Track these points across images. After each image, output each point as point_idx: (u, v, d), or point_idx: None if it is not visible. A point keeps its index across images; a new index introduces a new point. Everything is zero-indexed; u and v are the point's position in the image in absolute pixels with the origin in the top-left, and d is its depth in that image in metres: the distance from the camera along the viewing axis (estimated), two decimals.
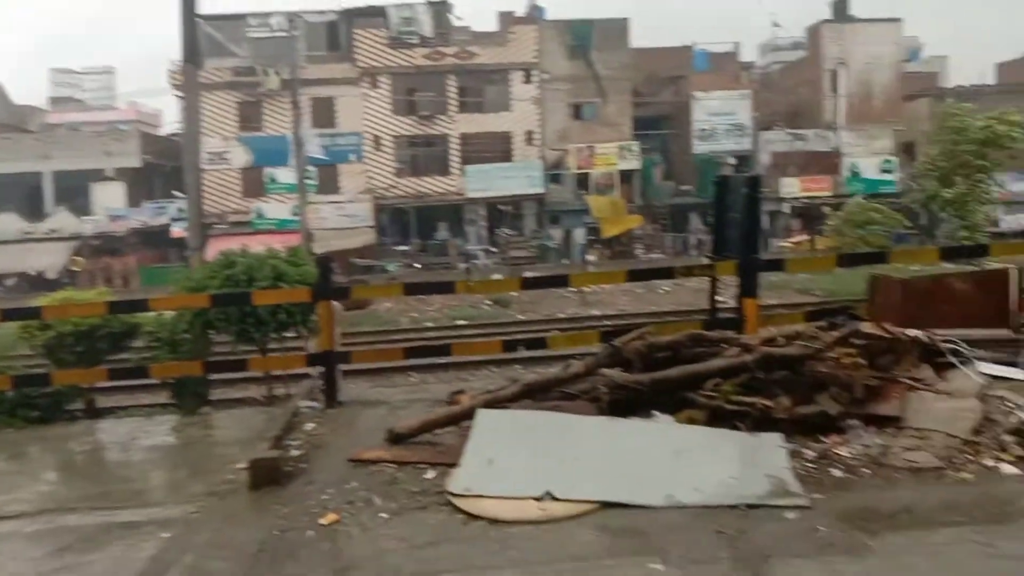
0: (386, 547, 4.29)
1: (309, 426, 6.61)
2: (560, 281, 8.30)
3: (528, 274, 18.38)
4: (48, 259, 36.87)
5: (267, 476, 5.28)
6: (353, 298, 9.10)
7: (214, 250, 10.82)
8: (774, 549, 4.06)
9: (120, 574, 4.09)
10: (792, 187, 42.73)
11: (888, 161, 41.75)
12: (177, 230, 36.82)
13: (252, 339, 8.06)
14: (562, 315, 18.75)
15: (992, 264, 8.77)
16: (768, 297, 19.34)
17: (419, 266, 39.07)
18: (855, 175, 42.23)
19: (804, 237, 36.71)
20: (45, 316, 7.60)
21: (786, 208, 42.86)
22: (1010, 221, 37.79)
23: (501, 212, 43.60)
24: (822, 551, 3.98)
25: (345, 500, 4.99)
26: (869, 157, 42.50)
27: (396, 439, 6.04)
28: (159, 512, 5.03)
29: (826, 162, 43.43)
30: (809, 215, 41.52)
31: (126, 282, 35.71)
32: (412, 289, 7.91)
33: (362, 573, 4.00)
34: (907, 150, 42.11)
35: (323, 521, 4.68)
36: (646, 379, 6.05)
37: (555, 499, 4.85)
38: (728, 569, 3.83)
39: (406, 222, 43.87)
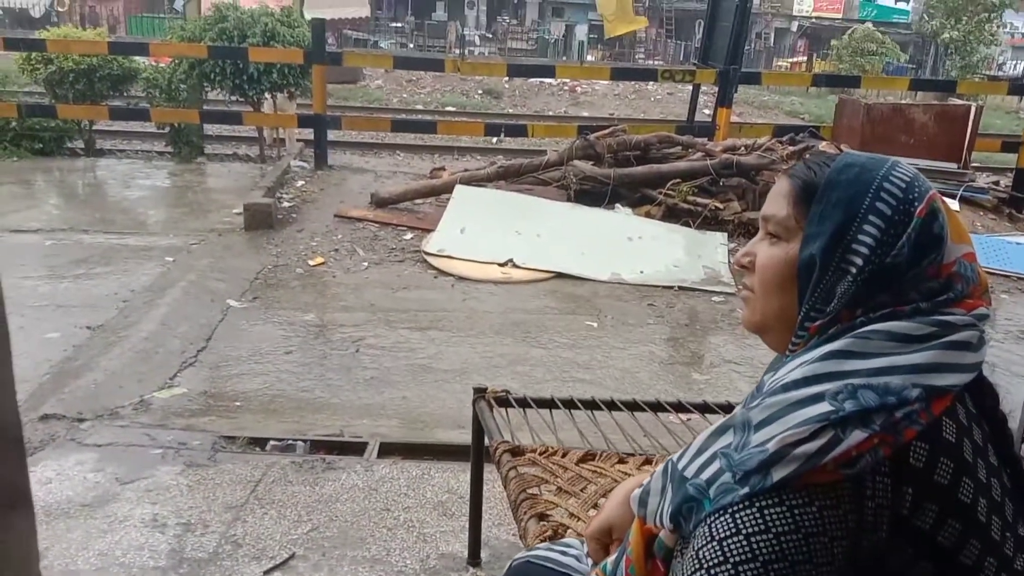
0: (365, 287, 4.95)
1: (299, 183, 7.12)
2: (546, 71, 8.62)
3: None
4: None
5: (261, 220, 5.86)
6: (344, 66, 9.28)
7: (207, 3, 10.75)
8: (694, 320, 4.77)
9: (133, 284, 4.72)
10: (805, 4, 41.23)
11: None
12: None
13: (246, 95, 8.34)
14: (551, 112, 18.89)
15: (956, 100, 9.09)
16: (755, 116, 19.52)
17: (413, 47, 38.03)
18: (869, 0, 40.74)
19: (803, 59, 35.98)
20: (49, 49, 7.80)
21: (794, 27, 41.60)
22: (1019, 66, 37.24)
23: None
24: (734, 327, 4.69)
25: (331, 248, 5.61)
26: None
27: (380, 203, 6.59)
28: (163, 240, 5.62)
29: None
30: (817, 36, 40.40)
31: (113, 29, 34.57)
32: (403, 63, 8.16)
33: (344, 303, 4.67)
34: None
35: (311, 262, 5.31)
36: (613, 173, 6.56)
37: (516, 266, 5.50)
38: (650, 331, 4.53)
39: None
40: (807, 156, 0.95)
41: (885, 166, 0.87)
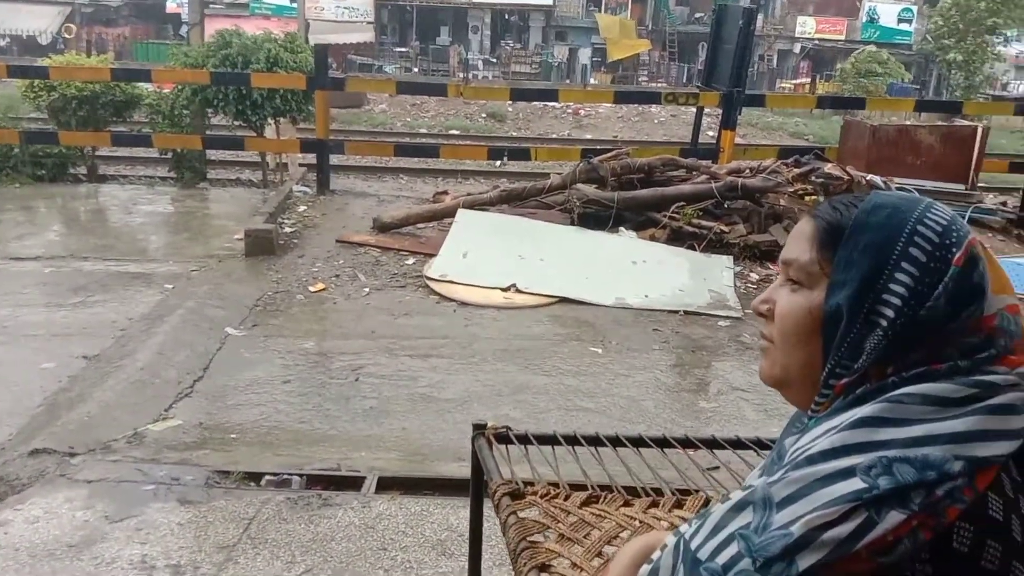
0: (366, 314, 4.88)
1: (301, 208, 7.08)
2: (549, 95, 8.63)
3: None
4: (39, 23, 35.70)
5: (262, 246, 5.80)
6: (347, 91, 9.28)
7: (210, 30, 10.79)
8: (701, 346, 4.69)
9: (131, 312, 4.66)
10: (808, 26, 41.42)
11: (907, 10, 40.32)
12: (172, 5, 35.52)
13: (249, 121, 8.33)
14: (554, 135, 18.92)
15: (962, 121, 9.04)
16: (759, 137, 19.52)
17: (417, 71, 38.25)
18: (872, 21, 40.87)
19: (806, 80, 36.10)
20: (51, 76, 7.81)
21: (797, 49, 41.77)
22: (1022, 85, 37.26)
23: (507, 21, 42.19)
24: (741, 352, 4.60)
25: (333, 273, 5.55)
26: (890, 3, 40.96)
27: (382, 227, 6.54)
28: (162, 267, 5.57)
29: (846, 3, 41.83)
30: (820, 58, 40.55)
31: (120, 56, 34.86)
32: (405, 88, 8.15)
33: (344, 331, 4.59)
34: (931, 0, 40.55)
35: (312, 288, 5.25)
36: (616, 196, 6.50)
37: (519, 291, 5.43)
38: (656, 358, 4.45)
39: (408, 22, 42.42)
40: (833, 197, 0.85)
41: (919, 208, 0.79)
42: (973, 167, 7.46)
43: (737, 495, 0.76)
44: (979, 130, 7.45)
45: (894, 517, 0.68)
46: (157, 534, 2.46)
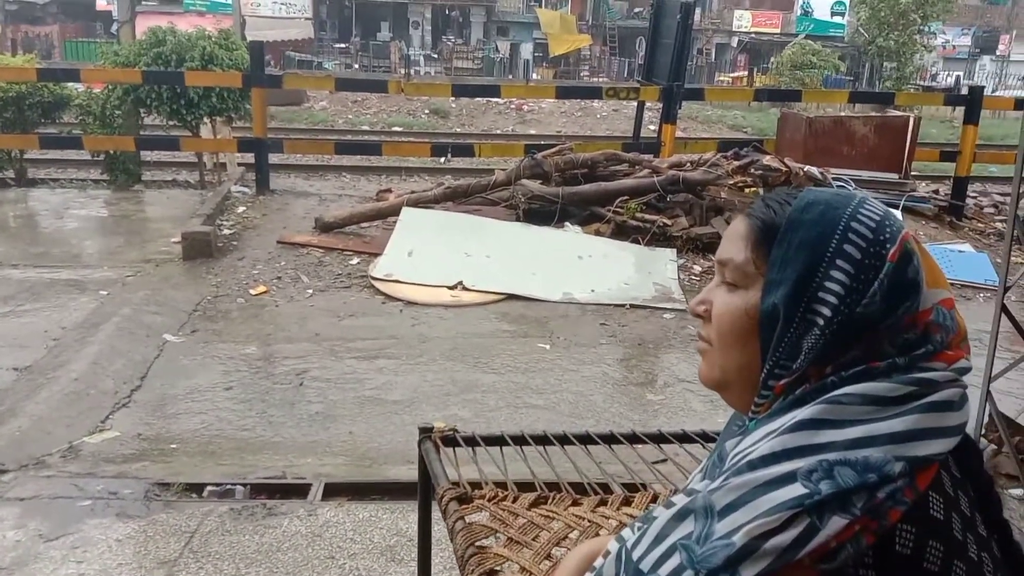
0: (310, 316, 4.79)
1: (240, 209, 6.93)
2: (491, 91, 8.63)
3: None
4: None
5: (200, 249, 5.66)
6: (285, 89, 9.12)
7: (142, 27, 10.50)
8: (647, 339, 4.72)
9: (64, 321, 4.50)
10: (744, 20, 42.13)
11: (840, 3, 41.29)
12: (103, 3, 34.46)
13: (184, 120, 8.12)
14: (498, 131, 18.88)
15: (894, 112, 9.28)
16: (699, 130, 19.78)
17: (358, 67, 37.81)
18: (806, 14, 41.76)
19: (743, 73, 36.71)
20: None
21: (734, 42, 42.46)
22: (951, 77, 38.50)
23: (448, 16, 41.98)
24: (686, 344, 4.65)
25: (274, 275, 5.45)
26: None
27: (325, 227, 6.44)
28: (97, 273, 5.39)
29: None
30: (756, 51, 41.29)
31: (48, 55, 33.72)
32: (345, 84, 8.04)
33: (287, 334, 4.51)
34: None
35: (253, 292, 5.14)
36: (561, 192, 6.51)
37: (466, 288, 5.40)
38: (603, 352, 4.46)
39: (347, 17, 41.90)
40: (767, 194, 0.83)
41: (852, 203, 0.77)
42: (906, 156, 7.66)
43: (679, 501, 0.75)
44: (911, 120, 7.65)
45: (836, 522, 0.67)
46: (95, 552, 2.37)
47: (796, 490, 0.68)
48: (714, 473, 0.81)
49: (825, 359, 0.75)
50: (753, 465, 0.72)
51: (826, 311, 0.74)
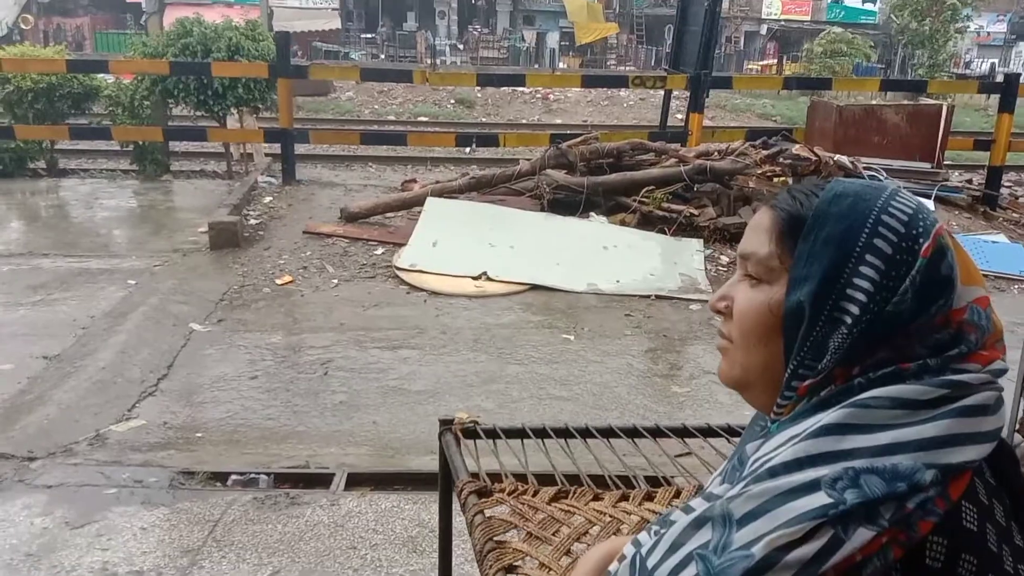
0: (335, 306, 4.81)
1: (267, 199, 6.96)
2: (517, 80, 8.59)
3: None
4: None
5: (227, 239, 5.70)
6: (311, 79, 9.13)
7: (170, 18, 10.58)
8: (672, 330, 4.67)
9: (93, 310, 4.55)
10: (774, 7, 41.59)
11: None
12: None
13: (211, 111, 8.17)
14: (524, 120, 18.82)
15: (927, 100, 9.11)
16: (727, 119, 19.57)
17: (384, 57, 37.86)
18: (837, 1, 41.16)
19: (772, 61, 36.26)
20: (4, 68, 7.59)
21: (763, 30, 41.95)
22: (985, 64, 37.75)
23: (474, 5, 41.89)
24: (712, 336, 4.59)
25: (300, 265, 5.47)
26: None
27: (350, 217, 6.45)
28: (125, 263, 5.45)
29: None
30: (786, 39, 40.76)
31: (79, 46, 34.14)
32: (370, 75, 8.05)
33: (312, 324, 4.52)
34: None
35: (279, 281, 5.16)
36: (586, 182, 6.46)
37: (490, 279, 5.38)
38: (628, 343, 4.43)
39: (374, 8, 41.96)
40: (792, 185, 0.79)
41: (883, 196, 0.73)
42: (939, 146, 7.52)
43: (698, 506, 0.72)
44: (944, 109, 7.50)
45: (863, 534, 0.64)
46: (119, 539, 2.39)
47: (820, 499, 0.65)
48: (734, 477, 0.78)
49: (852, 360, 0.72)
50: (774, 472, 0.68)
51: (854, 309, 0.71)
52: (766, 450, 0.72)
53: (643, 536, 0.77)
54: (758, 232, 0.79)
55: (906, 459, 0.66)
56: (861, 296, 0.71)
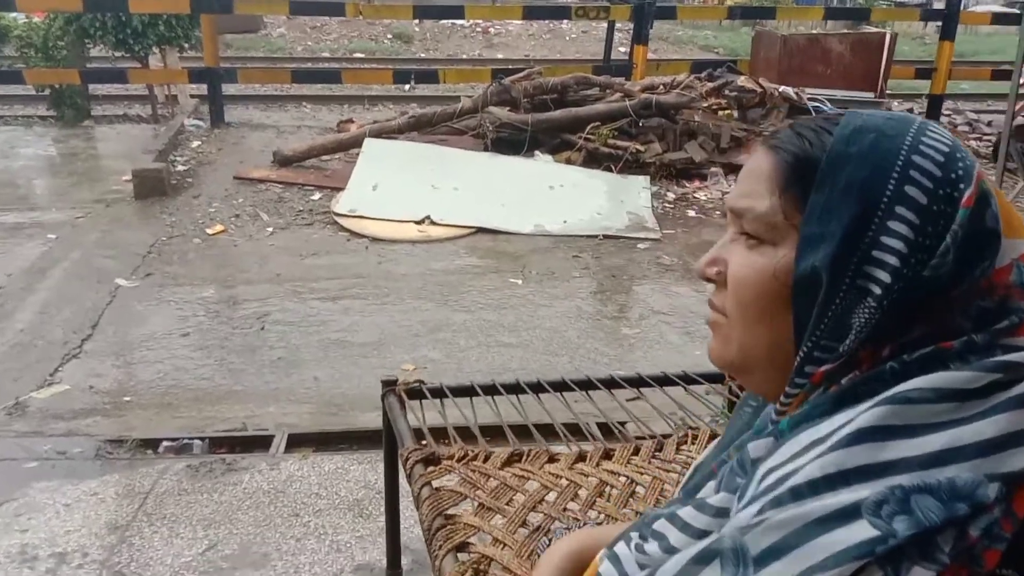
0: (271, 256, 4.59)
1: (195, 144, 6.62)
2: (455, 12, 8.28)
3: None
4: None
5: (153, 187, 5.39)
6: (237, 14, 8.66)
7: None
8: (621, 270, 4.59)
9: (9, 267, 4.26)
10: None
11: None
12: None
13: (131, 50, 7.70)
14: (464, 56, 18.34)
15: (870, 28, 9.06)
16: (670, 52, 19.36)
17: None
18: None
19: None
20: None
21: None
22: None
23: None
24: (661, 275, 4.53)
25: (232, 213, 5.21)
26: None
27: (284, 161, 6.17)
28: (45, 216, 5.13)
29: None
30: None
31: None
32: (300, 8, 7.65)
33: (247, 275, 4.31)
34: None
35: (210, 231, 4.91)
36: (530, 119, 6.27)
37: (434, 223, 5.21)
38: (576, 285, 4.33)
39: None
40: (794, 120, 0.62)
41: (912, 130, 0.59)
42: (882, 75, 7.48)
43: (688, 517, 0.59)
44: (887, 37, 7.45)
45: (918, 575, 0.50)
46: (41, 518, 2.22)
47: (862, 531, 0.51)
48: (733, 483, 0.63)
49: (881, 338, 0.58)
50: (799, 493, 0.53)
51: (883, 276, 0.57)
52: (781, 459, 0.58)
53: (621, 549, 0.64)
54: (755, 180, 0.63)
55: (964, 470, 0.52)
56: (892, 259, 0.57)
